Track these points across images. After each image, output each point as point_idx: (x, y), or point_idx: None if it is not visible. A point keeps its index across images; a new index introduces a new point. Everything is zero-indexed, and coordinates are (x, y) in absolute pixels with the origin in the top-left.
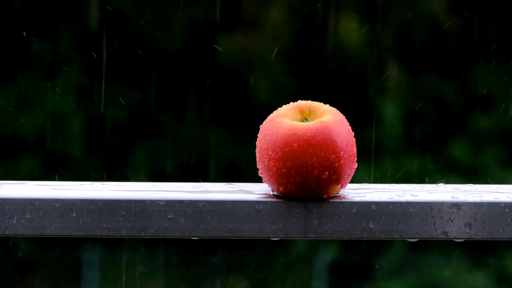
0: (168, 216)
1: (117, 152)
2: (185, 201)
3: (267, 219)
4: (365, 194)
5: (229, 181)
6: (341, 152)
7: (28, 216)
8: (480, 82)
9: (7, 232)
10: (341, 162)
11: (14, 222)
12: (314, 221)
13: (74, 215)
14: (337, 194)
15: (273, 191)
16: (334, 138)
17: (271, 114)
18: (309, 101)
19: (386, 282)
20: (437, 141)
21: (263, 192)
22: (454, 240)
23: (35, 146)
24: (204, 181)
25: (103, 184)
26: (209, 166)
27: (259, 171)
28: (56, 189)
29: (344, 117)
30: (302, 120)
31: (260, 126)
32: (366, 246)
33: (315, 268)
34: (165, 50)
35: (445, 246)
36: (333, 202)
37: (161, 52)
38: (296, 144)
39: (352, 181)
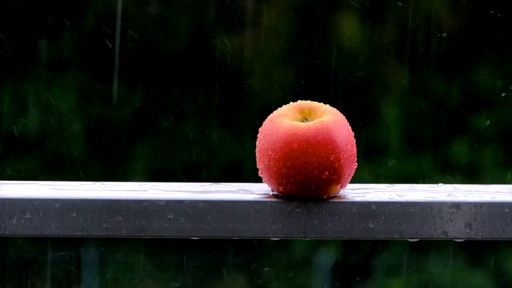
0: (168, 216)
1: (117, 152)
2: (185, 201)
3: (267, 219)
4: (365, 194)
5: (229, 181)
6: (341, 152)
7: (28, 216)
8: (480, 81)
9: (7, 232)
10: (341, 162)
11: (14, 222)
12: (314, 221)
13: (74, 215)
14: (337, 194)
15: (273, 191)
16: (334, 138)
17: (271, 114)
18: (309, 101)
19: (386, 282)
20: (437, 141)
21: (263, 192)
22: (454, 240)
23: (35, 146)
24: (204, 181)
25: (103, 184)
26: (209, 166)
27: (259, 171)
28: (56, 189)
29: (344, 117)
30: (302, 120)
31: (260, 126)
32: (366, 246)
33: (315, 268)
34: (165, 50)
35: (445, 246)
36: (333, 202)
37: (161, 52)
38: (296, 144)
39: (352, 181)
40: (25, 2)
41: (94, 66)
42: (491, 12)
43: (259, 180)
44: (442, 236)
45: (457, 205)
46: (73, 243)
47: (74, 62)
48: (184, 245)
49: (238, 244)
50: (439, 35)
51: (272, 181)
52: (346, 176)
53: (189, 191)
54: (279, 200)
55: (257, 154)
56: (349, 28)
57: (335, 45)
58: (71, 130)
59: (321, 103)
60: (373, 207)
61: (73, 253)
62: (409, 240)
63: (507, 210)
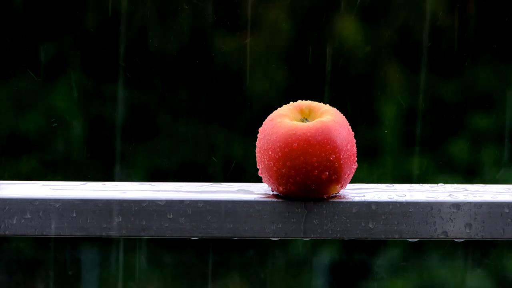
0: (168, 216)
1: (117, 152)
2: (185, 201)
3: (267, 219)
4: (365, 194)
5: (229, 181)
6: (341, 152)
7: (28, 216)
8: (480, 81)
9: (7, 232)
10: (341, 162)
11: (14, 222)
12: (314, 221)
13: (74, 215)
14: (337, 194)
15: (273, 191)
16: (334, 138)
17: (271, 114)
18: (309, 101)
19: (386, 282)
20: (436, 141)
21: (263, 192)
22: (454, 240)
23: (35, 146)
24: (204, 181)
25: (103, 184)
26: (209, 166)
27: (259, 171)
28: (56, 189)
29: (344, 117)
30: (302, 120)
31: (260, 126)
32: (366, 246)
33: (315, 268)
34: (164, 50)
35: (445, 246)
36: (333, 202)
37: (161, 52)
38: (296, 144)
39: (352, 181)
40: (25, 2)
41: (94, 66)
42: (491, 11)
43: (259, 180)
44: (442, 236)
45: (457, 205)
46: (73, 243)
47: (73, 62)
48: (184, 244)
49: (238, 244)
50: (438, 34)
51: (272, 181)
52: (346, 176)
53: (189, 191)
54: (279, 200)
55: (257, 154)
56: (348, 28)
57: (335, 45)
58: (71, 130)
59: (321, 103)
60: (373, 207)
61: (73, 253)
62: (409, 240)
63: (507, 210)
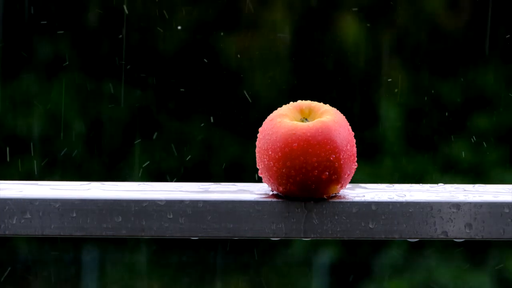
0: (168, 216)
1: (117, 152)
2: (185, 201)
3: (267, 219)
4: (365, 194)
5: (229, 181)
6: (341, 152)
7: (28, 216)
8: (480, 82)
9: (7, 232)
10: (341, 162)
11: (14, 222)
12: (314, 221)
13: (74, 215)
14: (337, 194)
15: (273, 191)
16: (334, 138)
17: (271, 114)
18: (309, 101)
19: (386, 282)
20: (437, 141)
21: (263, 192)
22: (454, 240)
23: (35, 146)
24: (204, 181)
25: (103, 184)
26: (209, 166)
27: (259, 171)
28: (56, 189)
29: (344, 117)
30: (302, 120)
31: (260, 126)
32: (366, 246)
33: (315, 268)
34: (165, 50)
35: (445, 246)
36: (333, 202)
37: (161, 52)
38: (296, 144)
39: (352, 181)
40: (25, 1)
41: (94, 66)
42: (492, 11)
43: (259, 180)
44: (442, 236)
45: (457, 205)
46: (73, 243)
47: (73, 62)
48: (184, 244)
49: (238, 244)
50: (439, 35)
51: (272, 181)
52: (346, 176)
53: (189, 191)
54: (279, 200)
55: (257, 154)
56: (349, 28)
57: (335, 45)
58: (71, 130)
59: (321, 103)
60: (373, 207)
61: (73, 253)
62: (409, 240)
63: (507, 210)
